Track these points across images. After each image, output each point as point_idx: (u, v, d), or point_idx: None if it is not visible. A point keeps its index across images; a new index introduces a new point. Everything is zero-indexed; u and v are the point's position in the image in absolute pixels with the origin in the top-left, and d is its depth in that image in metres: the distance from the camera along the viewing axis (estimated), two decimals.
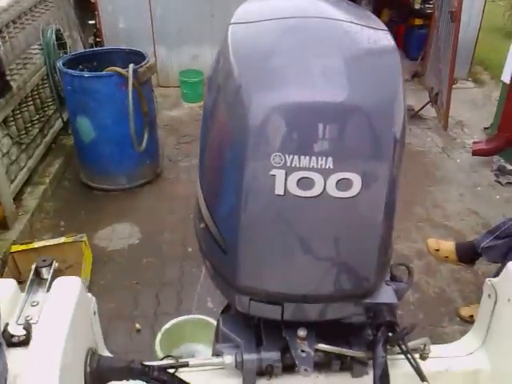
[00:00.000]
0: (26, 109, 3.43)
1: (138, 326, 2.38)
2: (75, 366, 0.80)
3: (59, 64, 3.35)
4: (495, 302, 0.99)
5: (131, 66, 3.16)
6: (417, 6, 6.06)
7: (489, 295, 1.00)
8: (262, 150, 0.76)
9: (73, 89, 3.27)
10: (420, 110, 4.76)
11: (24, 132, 3.34)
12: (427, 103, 4.71)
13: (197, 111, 4.66)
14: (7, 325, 0.78)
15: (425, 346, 0.93)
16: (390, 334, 0.88)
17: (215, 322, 1.05)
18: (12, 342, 0.75)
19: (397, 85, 0.79)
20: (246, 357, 0.91)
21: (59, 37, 3.99)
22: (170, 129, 4.31)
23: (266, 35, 0.84)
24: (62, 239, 2.59)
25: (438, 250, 2.60)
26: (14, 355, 0.74)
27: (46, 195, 3.31)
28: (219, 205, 0.88)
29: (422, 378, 0.82)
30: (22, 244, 2.61)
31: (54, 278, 0.92)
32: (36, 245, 2.56)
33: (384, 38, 0.84)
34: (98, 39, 5.28)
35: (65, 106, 3.82)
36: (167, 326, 2.09)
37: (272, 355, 0.91)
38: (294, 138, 0.75)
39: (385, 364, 0.85)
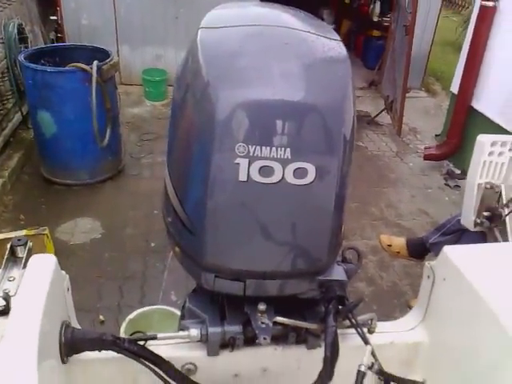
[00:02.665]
0: None
1: (101, 317, 2.39)
2: (51, 336, 0.85)
3: (21, 58, 3.30)
4: (433, 283, 1.11)
5: (95, 62, 3.16)
6: (375, 19, 6.32)
7: (428, 276, 1.11)
8: (228, 141, 0.83)
9: (34, 83, 3.23)
10: (376, 116, 4.98)
11: None
12: (383, 110, 4.95)
13: (159, 109, 4.68)
14: None
15: (372, 320, 1.04)
16: (340, 307, 0.98)
17: (180, 313, 1.11)
18: None
19: (347, 89, 0.89)
20: (211, 330, 0.98)
21: (21, 31, 3.93)
22: (133, 126, 4.31)
23: (231, 39, 0.92)
24: (24, 232, 2.56)
25: (390, 246, 2.75)
26: None
27: (5, 189, 3.25)
28: (188, 191, 0.94)
29: (366, 341, 0.92)
30: None
31: (28, 256, 0.97)
32: None
33: (337, 47, 0.95)
34: (59, 35, 5.21)
35: (24, 100, 3.77)
36: (131, 316, 2.11)
37: (234, 328, 0.99)
38: (257, 130, 0.84)
39: (335, 334, 0.93)
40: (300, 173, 0.85)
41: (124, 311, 2.39)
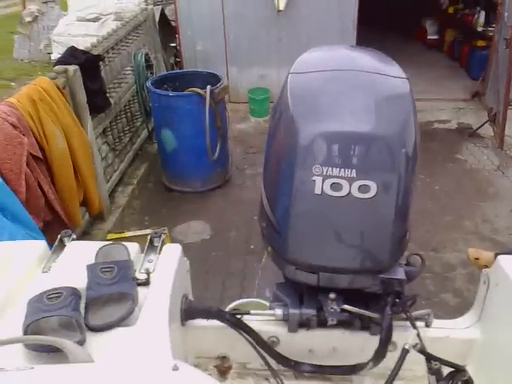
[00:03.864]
0: (119, 121, 4.03)
1: None
2: (176, 303, 1.16)
3: (148, 84, 3.89)
4: (487, 288, 1.24)
5: (208, 87, 3.61)
6: (479, 29, 6.14)
7: (484, 282, 1.25)
8: (307, 163, 1.10)
9: (159, 105, 3.80)
10: (478, 128, 4.88)
11: (118, 140, 3.93)
12: (485, 122, 4.84)
13: (262, 125, 5.09)
14: (135, 272, 1.14)
15: (428, 315, 1.23)
16: (397, 301, 1.19)
17: None
18: (138, 283, 1.10)
19: (408, 120, 1.13)
20: (291, 311, 1.24)
21: (147, 59, 4.56)
22: (239, 140, 4.76)
23: (313, 84, 1.22)
24: (148, 231, 3.07)
25: (477, 259, 2.80)
26: (139, 291, 1.08)
27: (134, 194, 3.87)
28: (277, 201, 1.22)
29: (414, 326, 1.12)
30: (115, 233, 3.13)
31: (162, 245, 1.32)
32: (127, 234, 3.06)
33: (401, 85, 1.18)
34: (177, 59, 5.89)
35: (150, 119, 4.40)
36: (231, 305, 2.47)
37: (310, 311, 1.24)
38: (329, 155, 1.10)
39: (390, 320, 1.15)
40: (363, 189, 1.08)
41: (225, 302, 2.76)
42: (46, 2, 8.37)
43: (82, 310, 0.99)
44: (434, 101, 5.62)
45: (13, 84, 7.00)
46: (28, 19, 8.13)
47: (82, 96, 3.08)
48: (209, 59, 5.42)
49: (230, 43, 5.45)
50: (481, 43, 6.03)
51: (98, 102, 3.34)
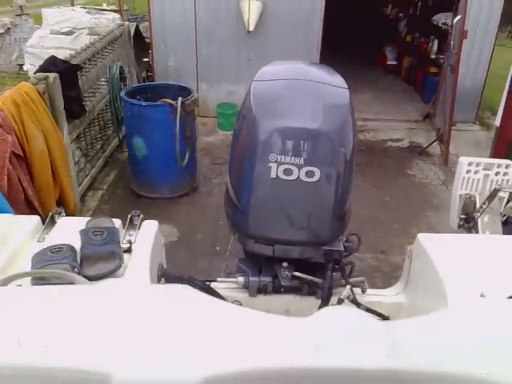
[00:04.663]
0: (93, 128, 4.22)
1: None
2: (154, 267, 1.38)
3: (122, 94, 4.10)
4: (410, 261, 1.48)
5: (180, 98, 3.87)
6: (433, 56, 6.68)
7: (408, 256, 1.49)
8: (265, 153, 1.35)
9: (132, 114, 4.01)
10: (427, 147, 5.32)
11: (90, 146, 4.12)
12: (434, 141, 5.28)
13: (229, 138, 5.27)
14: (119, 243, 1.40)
15: (363, 282, 1.50)
16: (336, 266, 1.47)
17: None
18: (123, 250, 1.30)
19: (345, 122, 1.39)
20: (251, 279, 1.49)
21: (121, 72, 4.78)
22: (206, 152, 5.02)
23: (272, 89, 1.49)
24: None
25: None
26: (125, 257, 1.28)
27: (104, 199, 4.04)
28: (240, 186, 1.47)
29: (347, 282, 1.38)
30: None
31: (140, 223, 1.54)
32: None
33: (343, 94, 1.46)
34: (149, 74, 6.14)
35: (121, 128, 4.60)
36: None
37: (267, 279, 1.48)
38: (283, 146, 1.36)
39: (330, 280, 1.40)
40: (309, 174, 1.33)
41: None
42: (19, 15, 8.49)
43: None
44: (389, 121, 6.07)
45: None
46: (0, 31, 8.22)
47: (60, 102, 3.27)
48: (180, 74, 5.69)
49: (201, 60, 5.74)
50: (433, 69, 6.54)
51: (74, 108, 3.53)
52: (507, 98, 4.05)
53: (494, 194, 1.77)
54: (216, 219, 3.77)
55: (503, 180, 1.92)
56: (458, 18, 4.46)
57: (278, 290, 1.50)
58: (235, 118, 1.61)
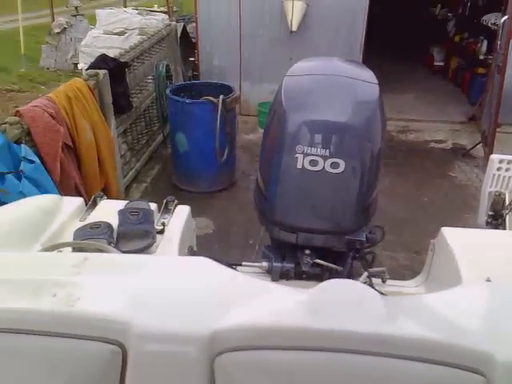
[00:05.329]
0: (139, 124, 4.43)
1: None
2: (183, 248, 1.49)
3: (168, 91, 4.28)
4: (433, 254, 1.53)
5: (221, 96, 3.99)
6: (481, 57, 6.49)
7: (431, 249, 1.55)
8: (292, 144, 1.43)
9: (176, 111, 4.19)
10: (471, 149, 5.20)
11: (136, 141, 4.33)
12: (478, 143, 5.16)
13: None
14: (153, 223, 1.52)
15: (384, 272, 1.55)
16: (357, 255, 1.53)
17: None
18: (156, 231, 1.44)
19: (373, 116, 1.45)
20: (275, 264, 1.57)
21: (167, 70, 4.95)
22: (246, 149, 5.12)
23: (303, 84, 1.56)
24: None
25: None
26: (157, 238, 1.42)
27: (147, 191, 4.23)
28: (269, 176, 1.56)
29: (365, 269, 1.45)
30: None
31: (174, 208, 1.65)
32: None
33: (373, 89, 1.51)
34: (195, 73, 6.32)
35: (166, 125, 4.79)
36: None
37: (289, 265, 1.56)
38: (309, 137, 1.44)
39: (350, 267, 1.48)
40: (334, 165, 1.40)
41: None
42: (75, 16, 8.95)
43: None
44: (433, 122, 5.96)
45: (43, 87, 7.51)
46: (57, 30, 8.70)
47: (108, 97, 3.48)
48: (224, 73, 5.84)
49: (245, 60, 5.87)
50: (481, 70, 6.35)
51: (122, 103, 3.73)
52: None
53: None
54: (251, 214, 3.80)
55: None
56: (506, 18, 4.34)
57: (299, 276, 1.57)
58: (268, 112, 1.69)
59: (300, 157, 1.44)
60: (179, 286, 0.89)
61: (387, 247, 3.68)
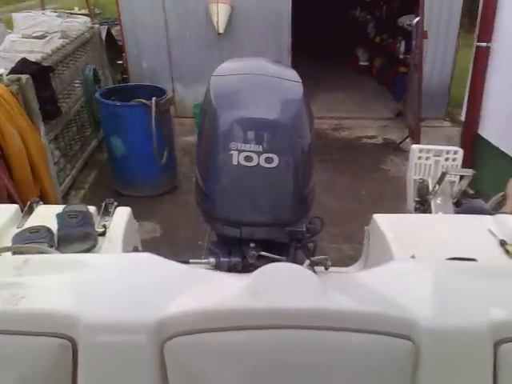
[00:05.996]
0: (70, 129, 4.22)
1: None
2: (127, 249, 1.45)
3: (97, 95, 4.13)
4: (368, 240, 1.61)
5: (154, 98, 3.90)
6: (401, 56, 6.90)
7: (366, 236, 1.62)
8: (226, 141, 1.41)
9: (107, 115, 4.04)
10: (400, 143, 5.50)
11: (69, 147, 4.12)
12: (406, 137, 5.46)
13: None
14: (93, 226, 1.43)
15: (326, 260, 1.57)
16: (299, 245, 1.53)
17: None
18: (98, 234, 1.40)
19: (299, 113, 1.46)
20: (222, 259, 1.54)
21: (95, 74, 4.80)
22: (186, 151, 5.04)
23: (230, 83, 1.55)
24: None
25: None
26: (99, 240, 1.37)
27: (86, 198, 4.02)
28: (207, 174, 1.53)
29: (307, 256, 1.46)
30: None
31: (114, 210, 1.59)
32: None
33: (298, 87, 1.53)
34: (124, 76, 6.14)
35: (99, 129, 4.60)
36: None
37: (236, 259, 1.54)
38: (242, 134, 1.42)
39: (294, 257, 1.47)
40: (268, 160, 1.40)
41: None
42: None
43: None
44: (363, 119, 6.23)
45: None
46: None
47: (34, 103, 3.27)
48: (154, 76, 5.72)
49: (175, 62, 5.79)
50: (402, 69, 6.73)
51: (49, 109, 3.53)
52: (469, 94, 4.23)
53: (442, 178, 1.90)
54: (197, 216, 3.79)
55: (452, 165, 2.05)
56: (417, 19, 4.65)
57: (247, 269, 1.54)
58: (199, 113, 1.67)
59: (235, 153, 1.44)
60: (125, 278, 0.90)
61: (332, 240, 3.80)
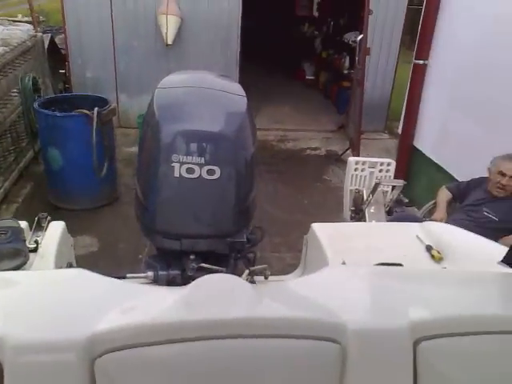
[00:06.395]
0: (4, 140, 4.06)
1: None
2: (61, 267, 1.45)
3: (36, 105, 3.99)
4: (306, 248, 1.67)
5: (96, 109, 3.84)
6: (345, 71, 7.14)
7: (304, 244, 1.69)
8: (168, 153, 1.44)
9: (46, 125, 3.92)
10: (342, 154, 5.67)
11: (2, 159, 3.95)
12: (347, 149, 5.63)
13: None
14: (25, 241, 1.42)
15: (265, 269, 1.61)
16: (239, 256, 1.58)
17: None
18: (29, 250, 1.39)
19: (242, 126, 1.51)
20: (161, 273, 1.57)
21: (35, 83, 4.65)
22: (128, 162, 4.96)
23: (174, 95, 1.58)
24: None
25: None
26: (31, 256, 1.36)
27: (19, 212, 3.87)
28: (147, 187, 1.55)
29: (247, 267, 1.50)
30: None
31: (47, 225, 1.57)
32: None
33: (241, 101, 1.59)
34: (66, 85, 5.99)
35: (36, 140, 4.45)
36: None
37: (175, 272, 1.56)
38: (184, 147, 1.46)
39: (234, 268, 1.52)
40: (210, 172, 1.44)
41: None
42: None
43: None
44: (307, 131, 6.38)
45: None
46: None
47: None
48: (98, 86, 5.62)
49: (120, 71, 5.72)
50: (346, 83, 6.96)
51: None
52: (406, 108, 4.44)
53: (375, 188, 2.00)
54: (137, 228, 3.75)
55: (385, 176, 2.16)
56: (361, 36, 4.85)
57: (186, 281, 1.56)
58: (142, 125, 1.67)
59: (177, 166, 1.47)
60: (53, 296, 0.88)
61: (275, 249, 3.84)
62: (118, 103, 5.52)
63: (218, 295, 0.85)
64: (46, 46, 5.57)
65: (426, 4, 4.03)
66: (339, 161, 5.61)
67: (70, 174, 3.96)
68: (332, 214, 4.39)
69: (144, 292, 0.95)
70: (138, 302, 0.87)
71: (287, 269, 3.46)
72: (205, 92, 1.61)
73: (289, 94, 7.75)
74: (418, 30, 4.24)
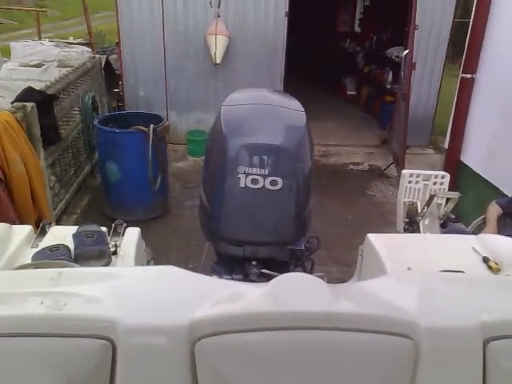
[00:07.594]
0: (66, 155, 4.35)
1: None
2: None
3: (95, 122, 4.27)
4: (362, 258, 1.75)
5: (151, 125, 4.08)
6: (388, 86, 7.17)
7: (360, 254, 1.77)
8: (234, 165, 1.58)
9: (105, 141, 4.18)
10: (385, 169, 5.69)
11: (64, 172, 4.24)
12: (391, 164, 5.65)
13: (199, 163, 5.56)
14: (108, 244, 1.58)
15: (322, 276, 1.71)
16: (298, 263, 1.68)
17: None
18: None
19: (302, 141, 1.63)
20: (225, 277, 1.68)
21: (93, 102, 4.95)
22: (177, 177, 5.20)
23: (239, 112, 1.72)
24: None
25: None
26: (112, 258, 1.52)
27: (78, 222, 4.13)
28: (213, 195, 1.69)
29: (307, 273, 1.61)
30: None
31: (124, 230, 1.72)
32: None
33: (301, 116, 1.71)
34: (119, 104, 6.32)
35: (93, 155, 4.73)
36: None
37: (238, 277, 1.69)
38: (249, 159, 1.59)
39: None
40: (273, 183, 1.56)
41: None
42: None
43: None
44: (350, 146, 6.44)
45: None
46: None
47: (36, 130, 3.41)
48: (150, 104, 5.90)
49: (171, 91, 5.99)
50: (389, 98, 6.99)
51: (50, 135, 3.67)
52: (453, 123, 4.44)
53: (430, 200, 2.06)
54: (188, 239, 3.93)
55: (440, 189, 2.21)
56: (406, 52, 4.90)
57: None
58: (207, 139, 1.82)
59: (242, 177, 1.59)
60: (154, 287, 0.99)
61: (321, 262, 3.91)
62: (168, 120, 5.77)
63: (301, 290, 0.94)
64: (103, 67, 5.92)
65: (474, 18, 4.05)
66: (382, 176, 5.63)
67: (126, 186, 4.19)
68: (376, 229, 4.39)
69: (231, 286, 1.05)
70: (227, 295, 0.97)
71: (334, 282, 3.55)
72: (267, 108, 1.74)
73: (331, 110, 7.84)
74: (466, 44, 4.25)
